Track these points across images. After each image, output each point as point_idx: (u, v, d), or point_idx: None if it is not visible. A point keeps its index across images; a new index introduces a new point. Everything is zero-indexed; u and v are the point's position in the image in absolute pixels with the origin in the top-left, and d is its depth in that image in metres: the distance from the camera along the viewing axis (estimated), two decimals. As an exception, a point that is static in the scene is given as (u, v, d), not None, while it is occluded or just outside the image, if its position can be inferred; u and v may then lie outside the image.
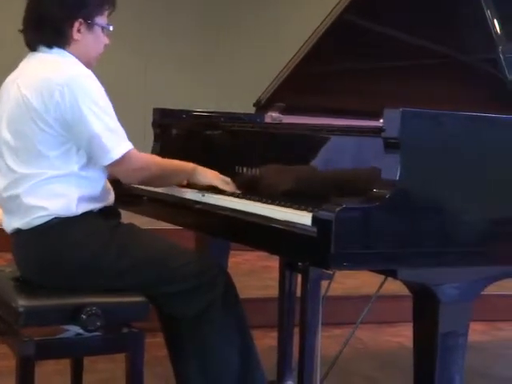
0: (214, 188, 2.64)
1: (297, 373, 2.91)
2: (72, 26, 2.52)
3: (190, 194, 2.67)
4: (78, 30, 2.54)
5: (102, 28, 2.60)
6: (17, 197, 2.49)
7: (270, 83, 3.20)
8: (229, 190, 2.63)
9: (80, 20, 2.53)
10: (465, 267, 2.25)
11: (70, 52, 2.54)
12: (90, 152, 2.46)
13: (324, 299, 2.88)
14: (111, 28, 2.63)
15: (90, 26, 2.56)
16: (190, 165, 2.68)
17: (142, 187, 2.85)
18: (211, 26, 7.71)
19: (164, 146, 3.21)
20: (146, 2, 7.51)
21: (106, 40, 2.63)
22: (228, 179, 2.68)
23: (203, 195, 2.61)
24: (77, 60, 2.54)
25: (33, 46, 2.57)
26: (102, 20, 2.59)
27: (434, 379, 2.23)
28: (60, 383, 2.93)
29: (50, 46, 2.53)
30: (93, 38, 2.58)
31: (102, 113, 2.44)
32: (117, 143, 2.45)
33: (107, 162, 2.46)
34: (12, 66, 2.62)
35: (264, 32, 7.67)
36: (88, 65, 2.56)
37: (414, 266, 2.16)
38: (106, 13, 2.61)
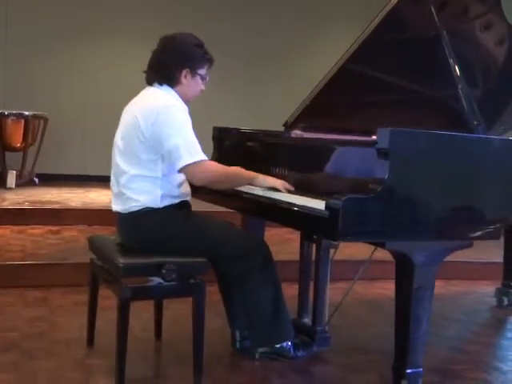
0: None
1: (311, 313, 2.91)
2: (181, 72, 2.52)
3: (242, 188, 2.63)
4: (185, 76, 2.53)
5: (202, 77, 2.57)
6: (119, 185, 2.52)
7: (295, 109, 3.19)
8: (284, 190, 2.51)
9: (187, 69, 2.52)
10: (431, 241, 2.24)
11: (174, 90, 2.54)
12: (169, 158, 2.43)
13: (331, 262, 2.87)
14: (207, 78, 2.59)
15: (194, 74, 2.54)
16: (251, 173, 2.57)
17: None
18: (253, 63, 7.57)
19: (220, 152, 3.20)
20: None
21: (202, 86, 2.60)
22: (283, 182, 2.55)
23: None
24: (178, 96, 2.53)
25: (149, 82, 2.58)
26: (202, 71, 2.57)
27: (409, 319, 2.23)
28: (147, 317, 2.95)
29: (161, 84, 2.53)
30: (194, 83, 2.56)
31: (183, 131, 2.41)
32: (190, 153, 2.41)
33: (180, 165, 2.42)
34: (133, 94, 2.63)
35: (292, 71, 7.59)
36: (186, 101, 2.55)
37: (397, 239, 2.16)
38: (206, 67, 2.58)
